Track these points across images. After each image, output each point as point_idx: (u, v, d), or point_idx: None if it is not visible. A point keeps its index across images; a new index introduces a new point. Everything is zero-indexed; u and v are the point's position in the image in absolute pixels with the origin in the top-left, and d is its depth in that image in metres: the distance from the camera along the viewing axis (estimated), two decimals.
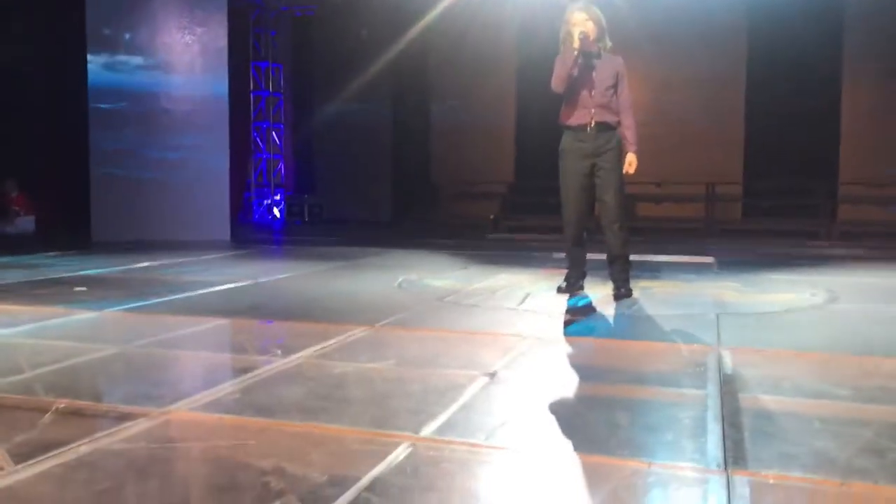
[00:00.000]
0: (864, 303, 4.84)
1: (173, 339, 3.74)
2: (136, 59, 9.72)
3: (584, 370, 3.18)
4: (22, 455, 2.07)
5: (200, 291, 5.23)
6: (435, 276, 6.10)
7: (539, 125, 9.50)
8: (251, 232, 11.73)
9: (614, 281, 4.90)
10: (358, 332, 3.75)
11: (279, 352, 3.36)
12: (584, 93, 4.70)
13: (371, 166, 13.85)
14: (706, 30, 11.97)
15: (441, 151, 14.15)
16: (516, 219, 12.25)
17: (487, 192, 13.58)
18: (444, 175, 13.98)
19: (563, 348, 3.57)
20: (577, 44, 4.57)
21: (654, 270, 6.42)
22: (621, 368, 3.21)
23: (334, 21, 14.13)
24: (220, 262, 7.19)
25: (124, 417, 2.41)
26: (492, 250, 8.66)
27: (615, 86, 4.75)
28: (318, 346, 3.42)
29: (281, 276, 6.07)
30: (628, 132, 4.75)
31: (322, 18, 14.43)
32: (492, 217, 12.21)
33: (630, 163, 4.75)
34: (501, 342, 3.59)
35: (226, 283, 5.62)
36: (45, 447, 2.12)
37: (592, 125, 4.70)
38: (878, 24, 11.39)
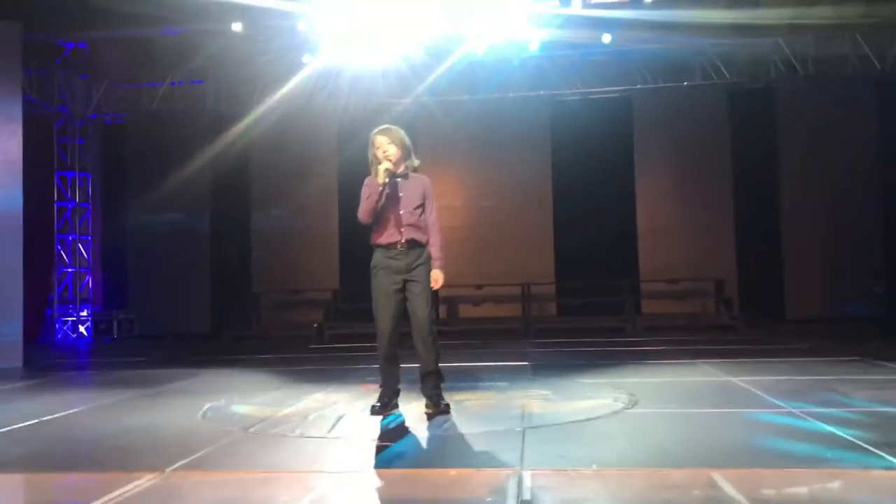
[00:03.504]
0: (660, 406, 5.10)
1: None
2: None
3: None
4: None
5: None
6: (245, 400, 5.81)
7: (363, 229, 9.53)
8: (51, 354, 10.79)
9: (427, 397, 4.89)
10: (145, 481, 3.43)
11: None
12: (393, 213, 4.81)
13: (188, 277, 13.25)
14: (515, 140, 12.78)
15: (262, 259, 13.87)
16: (341, 326, 12.08)
17: (311, 299, 13.38)
18: (266, 283, 13.67)
19: (367, 483, 3.45)
20: (382, 179, 4.68)
21: (469, 377, 6.45)
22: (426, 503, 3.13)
23: (147, 128, 13.74)
24: (4, 396, 6.49)
25: None
26: (312, 364, 8.44)
27: (423, 205, 4.89)
28: None
29: (72, 411, 5.53)
30: (434, 249, 4.89)
31: (134, 125, 13.98)
32: (315, 326, 11.97)
33: (436, 279, 4.86)
34: (303, 481, 3.42)
35: (5, 423, 5.04)
36: None
37: (403, 242, 4.78)
38: (663, 130, 12.65)
